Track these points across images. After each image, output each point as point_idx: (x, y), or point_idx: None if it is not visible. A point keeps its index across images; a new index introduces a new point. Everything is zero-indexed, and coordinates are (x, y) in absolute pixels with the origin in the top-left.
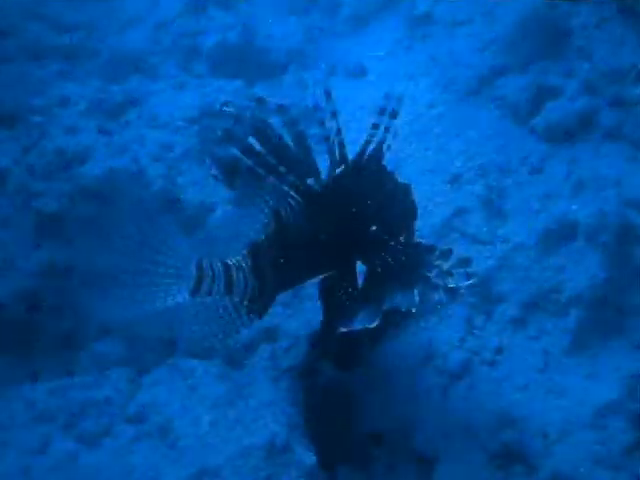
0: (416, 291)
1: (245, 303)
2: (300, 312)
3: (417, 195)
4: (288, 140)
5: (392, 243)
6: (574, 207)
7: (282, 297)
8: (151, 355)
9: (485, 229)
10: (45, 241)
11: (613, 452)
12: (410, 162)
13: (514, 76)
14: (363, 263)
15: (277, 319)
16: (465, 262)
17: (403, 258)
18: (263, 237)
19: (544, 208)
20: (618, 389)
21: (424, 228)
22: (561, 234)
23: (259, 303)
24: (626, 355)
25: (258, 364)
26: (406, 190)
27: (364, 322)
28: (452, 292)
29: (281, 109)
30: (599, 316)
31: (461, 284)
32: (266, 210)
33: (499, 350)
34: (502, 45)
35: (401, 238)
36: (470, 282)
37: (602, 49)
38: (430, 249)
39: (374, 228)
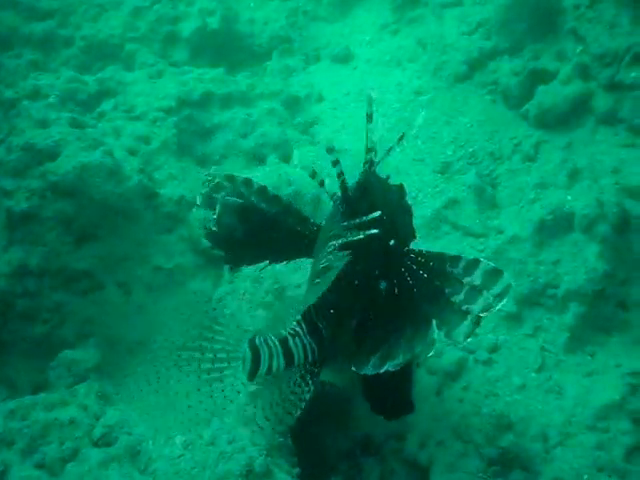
0: (434, 331)
1: (308, 368)
2: None
3: (406, 185)
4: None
5: (412, 255)
6: (569, 197)
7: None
8: (128, 358)
9: (477, 221)
10: (16, 241)
11: (615, 456)
12: (399, 151)
13: (505, 60)
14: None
15: (259, 323)
16: (495, 274)
17: (425, 275)
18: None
19: (538, 198)
20: (619, 388)
21: (414, 220)
22: (557, 225)
23: (319, 364)
24: (627, 351)
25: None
26: (400, 192)
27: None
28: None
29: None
30: (598, 311)
31: (495, 306)
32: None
33: (494, 348)
34: (493, 27)
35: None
36: (505, 302)
37: (595, 30)
38: (454, 260)
39: (392, 242)
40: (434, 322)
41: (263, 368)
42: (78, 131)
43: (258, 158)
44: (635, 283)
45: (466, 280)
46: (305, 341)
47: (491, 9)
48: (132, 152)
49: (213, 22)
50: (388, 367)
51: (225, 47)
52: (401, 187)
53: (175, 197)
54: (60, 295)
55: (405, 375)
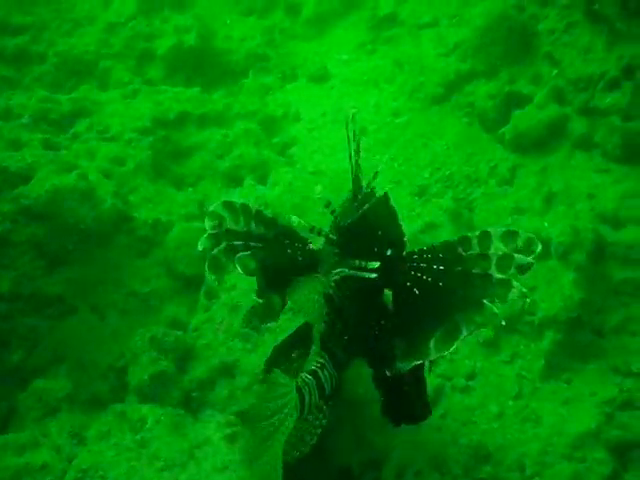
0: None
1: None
2: (261, 346)
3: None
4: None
5: (415, 256)
6: (546, 224)
7: (241, 329)
8: (100, 386)
9: None
10: None
11: None
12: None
13: (482, 82)
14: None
15: (236, 354)
16: (512, 235)
17: (441, 267)
18: (325, 326)
19: (515, 223)
20: (595, 417)
21: None
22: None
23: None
24: (602, 379)
25: (213, 418)
26: (386, 199)
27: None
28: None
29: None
30: (574, 338)
31: (532, 260)
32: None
33: (472, 375)
34: (469, 49)
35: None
36: (539, 248)
37: (570, 55)
38: (464, 241)
39: (389, 252)
40: (485, 301)
41: (306, 408)
42: (51, 153)
43: (235, 179)
44: (611, 310)
45: (490, 252)
46: (330, 370)
47: (467, 31)
48: (107, 174)
49: (189, 39)
50: (446, 349)
51: (201, 64)
52: (386, 195)
53: (150, 220)
54: (32, 320)
55: (421, 380)
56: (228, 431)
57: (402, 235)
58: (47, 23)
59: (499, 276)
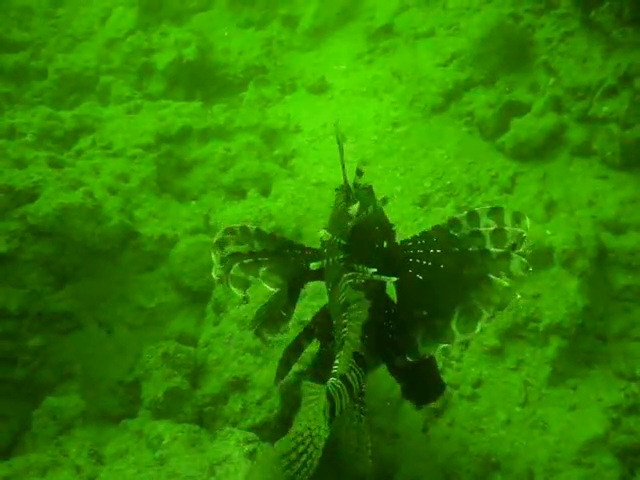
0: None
1: (356, 399)
2: (271, 359)
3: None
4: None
5: (410, 244)
6: (548, 232)
7: (252, 343)
8: (110, 401)
9: None
10: None
11: None
12: (377, 184)
13: (480, 91)
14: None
15: (247, 368)
16: (498, 212)
17: (438, 250)
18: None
19: None
20: (602, 422)
21: None
22: (536, 260)
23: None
24: (608, 384)
25: (232, 435)
26: (369, 191)
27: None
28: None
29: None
30: (579, 345)
31: (523, 234)
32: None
33: (478, 383)
34: (467, 59)
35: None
36: (528, 223)
37: (567, 64)
38: (454, 224)
39: (385, 244)
40: (490, 276)
41: (337, 412)
42: (57, 171)
43: (238, 192)
44: (614, 316)
45: (482, 230)
46: (357, 371)
47: (465, 41)
48: (112, 191)
49: (189, 53)
50: (471, 331)
51: (201, 78)
52: (369, 188)
53: (156, 236)
54: (40, 337)
55: (432, 361)
56: (248, 448)
57: (391, 225)
58: (45, 39)
59: (497, 250)
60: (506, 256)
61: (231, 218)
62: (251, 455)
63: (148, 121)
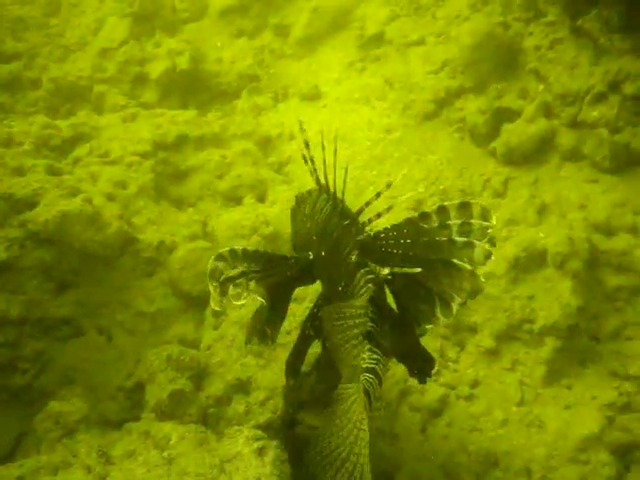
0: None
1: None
2: (274, 361)
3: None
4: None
5: (383, 235)
6: (542, 234)
7: (254, 346)
8: (111, 406)
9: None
10: None
11: None
12: (372, 189)
13: (471, 98)
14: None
15: (250, 370)
16: (466, 206)
17: (408, 240)
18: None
19: (511, 235)
20: (597, 420)
21: None
22: (530, 262)
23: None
24: (602, 383)
25: (240, 433)
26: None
27: None
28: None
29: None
30: (573, 344)
31: (488, 226)
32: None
33: (475, 383)
34: (458, 66)
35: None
36: (494, 217)
37: (556, 70)
38: (424, 217)
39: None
40: (455, 261)
41: (372, 404)
42: (56, 178)
43: (234, 199)
44: (606, 316)
45: (450, 223)
46: (383, 361)
47: (455, 49)
48: (110, 198)
49: (182, 62)
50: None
51: (194, 87)
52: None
53: (155, 242)
54: (41, 343)
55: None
56: (257, 445)
57: (353, 213)
58: (39, 49)
59: (462, 239)
60: (470, 245)
61: (228, 224)
62: (260, 452)
63: (144, 129)
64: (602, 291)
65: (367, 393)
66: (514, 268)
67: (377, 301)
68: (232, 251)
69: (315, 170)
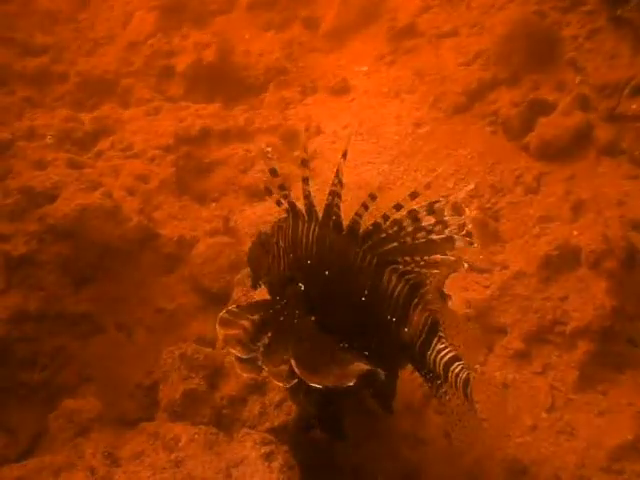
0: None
1: None
2: None
3: None
4: None
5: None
6: (575, 232)
7: None
8: (129, 404)
9: (481, 256)
10: (14, 286)
11: None
12: (399, 184)
13: (504, 90)
14: None
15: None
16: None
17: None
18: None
19: (543, 232)
20: (632, 428)
21: None
22: (563, 261)
23: None
24: (639, 389)
25: (248, 437)
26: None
27: None
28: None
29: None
30: (608, 348)
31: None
32: None
33: (504, 387)
34: (491, 57)
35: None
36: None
37: (595, 61)
38: (395, 224)
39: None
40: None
41: None
42: (76, 172)
43: (257, 194)
44: None
45: (425, 225)
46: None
47: (488, 40)
48: (131, 192)
49: (208, 55)
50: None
51: (221, 80)
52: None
53: (175, 237)
54: (59, 339)
55: None
56: (265, 450)
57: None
58: (68, 43)
59: (439, 237)
60: (449, 240)
61: (251, 219)
62: (268, 457)
63: (168, 122)
64: (639, 292)
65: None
66: (546, 267)
67: None
68: (229, 311)
69: (287, 195)
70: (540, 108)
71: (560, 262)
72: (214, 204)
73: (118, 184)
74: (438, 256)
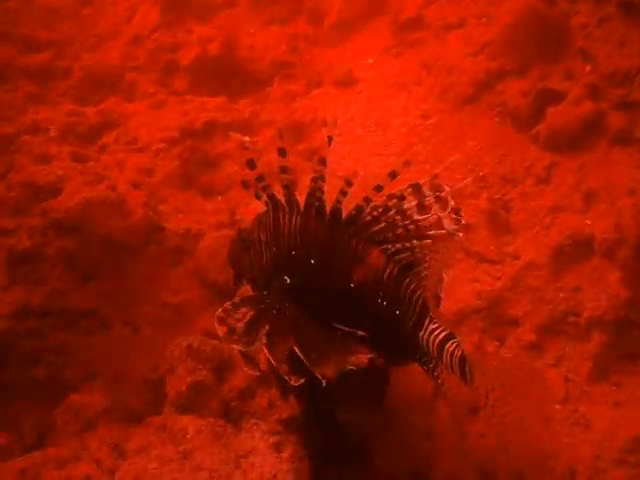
0: None
1: None
2: None
3: None
4: None
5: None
6: (588, 222)
7: None
8: (135, 400)
9: (492, 246)
10: (18, 281)
11: None
12: (406, 176)
13: (513, 80)
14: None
15: None
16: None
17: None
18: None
19: (554, 222)
20: None
21: None
22: (575, 251)
23: None
24: None
25: (257, 428)
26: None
27: None
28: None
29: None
30: (622, 339)
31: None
32: None
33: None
34: (498, 48)
35: None
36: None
37: (604, 49)
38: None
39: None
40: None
41: None
42: (81, 165)
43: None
44: None
45: (405, 207)
46: None
47: (496, 29)
48: (136, 185)
49: (213, 49)
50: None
51: (226, 74)
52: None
53: (181, 230)
54: (64, 335)
55: None
56: (274, 440)
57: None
58: (71, 39)
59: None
60: (437, 219)
61: (257, 212)
62: (278, 447)
63: (172, 116)
64: None
65: None
66: (558, 257)
67: None
68: (225, 309)
69: (265, 187)
70: (549, 98)
71: (572, 252)
72: (219, 197)
73: (123, 177)
74: (431, 232)
